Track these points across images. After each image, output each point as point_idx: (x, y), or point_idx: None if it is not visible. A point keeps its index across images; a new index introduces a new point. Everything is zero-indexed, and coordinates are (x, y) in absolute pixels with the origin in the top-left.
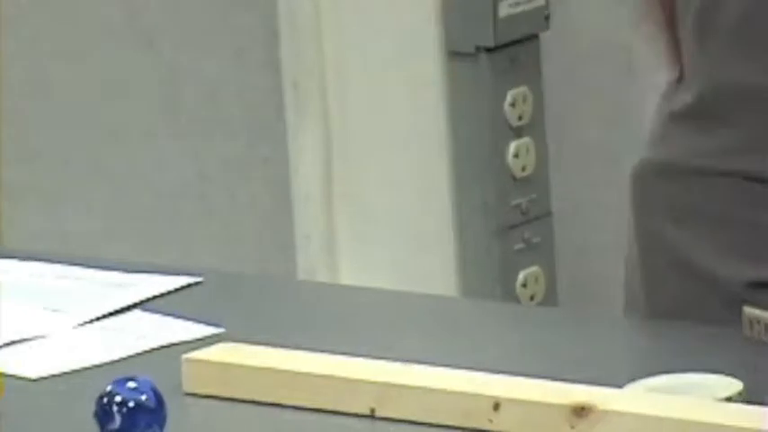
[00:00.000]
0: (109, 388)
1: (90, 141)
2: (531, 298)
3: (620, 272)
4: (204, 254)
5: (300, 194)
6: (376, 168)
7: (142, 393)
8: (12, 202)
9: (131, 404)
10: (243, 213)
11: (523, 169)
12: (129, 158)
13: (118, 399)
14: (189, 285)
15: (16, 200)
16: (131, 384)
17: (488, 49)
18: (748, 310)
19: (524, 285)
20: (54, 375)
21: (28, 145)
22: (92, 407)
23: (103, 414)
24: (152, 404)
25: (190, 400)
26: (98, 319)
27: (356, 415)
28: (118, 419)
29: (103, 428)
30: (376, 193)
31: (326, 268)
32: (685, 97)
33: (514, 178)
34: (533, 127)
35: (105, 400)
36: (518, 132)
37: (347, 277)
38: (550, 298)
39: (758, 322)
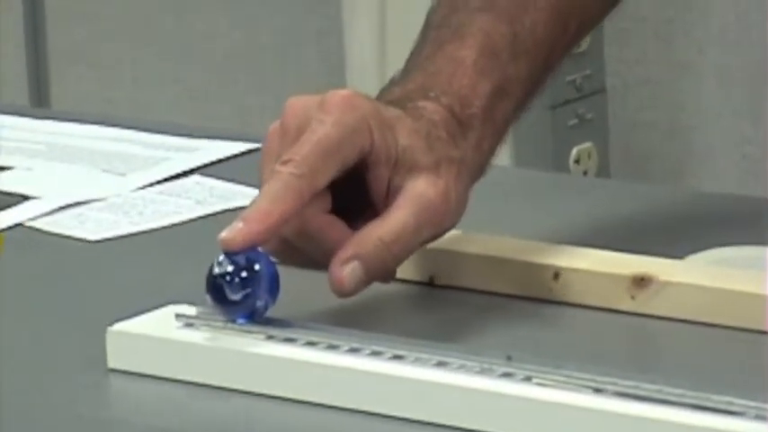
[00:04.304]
0: (221, 258)
1: (140, 8)
2: (584, 174)
3: (672, 149)
4: (255, 126)
5: (355, 66)
6: None
7: (256, 263)
8: (59, 67)
9: (244, 274)
10: (295, 85)
11: (578, 45)
12: (180, 27)
13: (230, 268)
14: (248, 152)
15: (64, 64)
16: (244, 256)
17: None
18: None
19: (577, 161)
20: (113, 238)
21: (76, 9)
22: (151, 269)
23: (217, 286)
24: (268, 273)
25: None
26: (157, 182)
27: (416, 282)
28: (234, 290)
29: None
30: None
31: None
32: None
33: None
34: None
35: (218, 270)
36: None
37: None
38: (603, 174)
39: None
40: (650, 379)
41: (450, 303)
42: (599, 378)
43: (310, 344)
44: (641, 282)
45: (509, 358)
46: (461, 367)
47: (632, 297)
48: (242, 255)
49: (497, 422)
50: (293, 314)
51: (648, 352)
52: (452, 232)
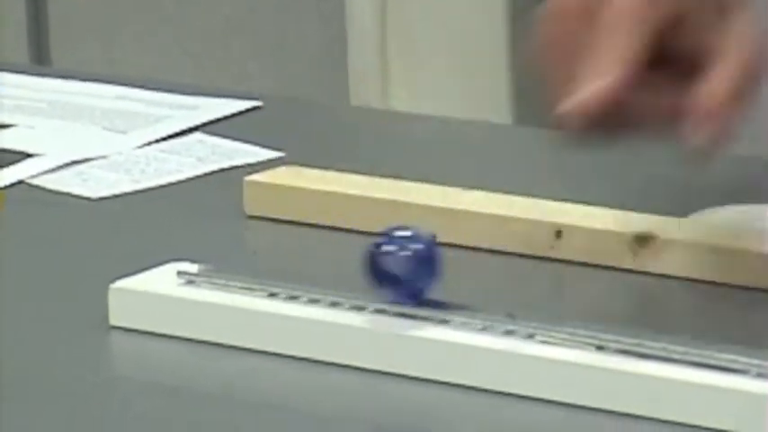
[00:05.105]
0: (381, 238)
1: None
2: None
3: None
4: (256, 89)
5: (355, 30)
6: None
7: (418, 243)
8: (60, 30)
9: (407, 253)
10: (295, 49)
11: None
12: None
13: (391, 248)
14: (249, 110)
15: (64, 27)
16: (406, 233)
17: None
18: None
19: None
20: (114, 196)
21: None
22: (153, 227)
23: (375, 262)
24: (429, 254)
25: (251, 222)
26: (159, 140)
27: None
28: (394, 267)
29: (378, 277)
30: (431, 25)
31: (380, 102)
32: None
33: None
34: None
35: (379, 247)
36: None
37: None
38: None
39: None
40: (653, 336)
41: (451, 261)
42: (602, 335)
43: (313, 301)
44: (643, 240)
45: (511, 316)
46: (463, 325)
47: (634, 255)
48: (404, 233)
49: (500, 380)
50: (296, 273)
51: (651, 310)
52: (453, 189)
